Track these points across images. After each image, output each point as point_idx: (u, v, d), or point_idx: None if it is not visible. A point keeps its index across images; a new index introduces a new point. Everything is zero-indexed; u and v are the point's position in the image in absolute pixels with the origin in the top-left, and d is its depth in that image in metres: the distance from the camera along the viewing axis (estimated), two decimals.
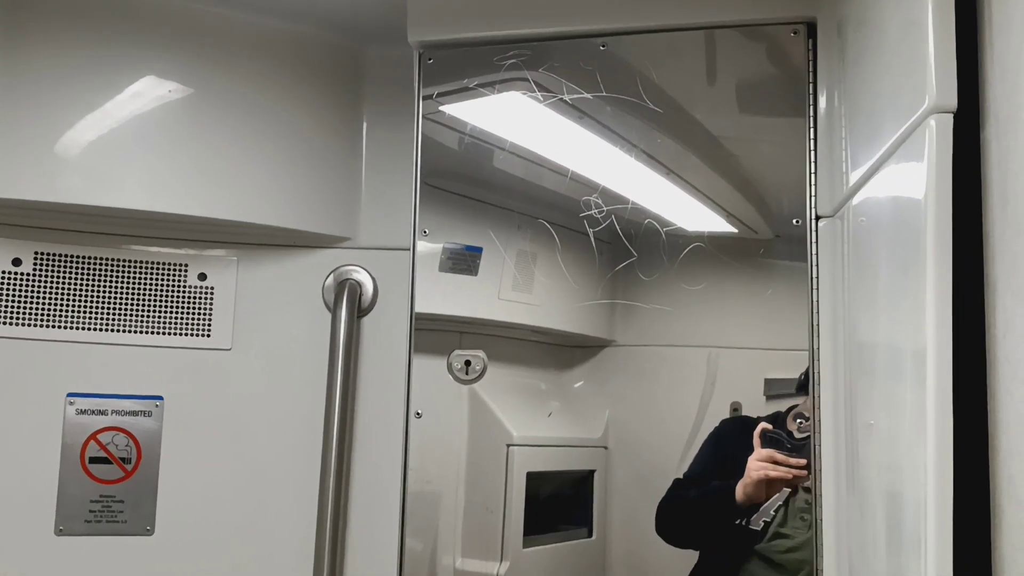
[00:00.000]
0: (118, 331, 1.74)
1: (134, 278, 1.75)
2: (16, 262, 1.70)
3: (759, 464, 1.42)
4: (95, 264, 1.74)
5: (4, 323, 1.69)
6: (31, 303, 1.70)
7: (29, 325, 1.70)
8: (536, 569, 1.58)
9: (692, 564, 1.47)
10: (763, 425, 1.43)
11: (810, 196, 1.44)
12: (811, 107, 1.46)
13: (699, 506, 1.48)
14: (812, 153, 1.45)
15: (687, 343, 1.51)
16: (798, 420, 1.41)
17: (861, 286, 1.23)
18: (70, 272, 1.72)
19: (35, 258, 1.71)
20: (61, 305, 1.72)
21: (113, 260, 1.74)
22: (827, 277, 1.41)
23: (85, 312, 1.72)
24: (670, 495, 1.49)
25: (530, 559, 1.57)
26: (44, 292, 1.71)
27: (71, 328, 1.72)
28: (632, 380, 1.55)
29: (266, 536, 1.75)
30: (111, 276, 1.74)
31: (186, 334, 1.76)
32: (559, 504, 1.62)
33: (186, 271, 1.78)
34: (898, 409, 1.02)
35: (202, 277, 1.78)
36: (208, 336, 1.77)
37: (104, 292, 1.74)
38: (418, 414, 1.59)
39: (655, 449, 1.52)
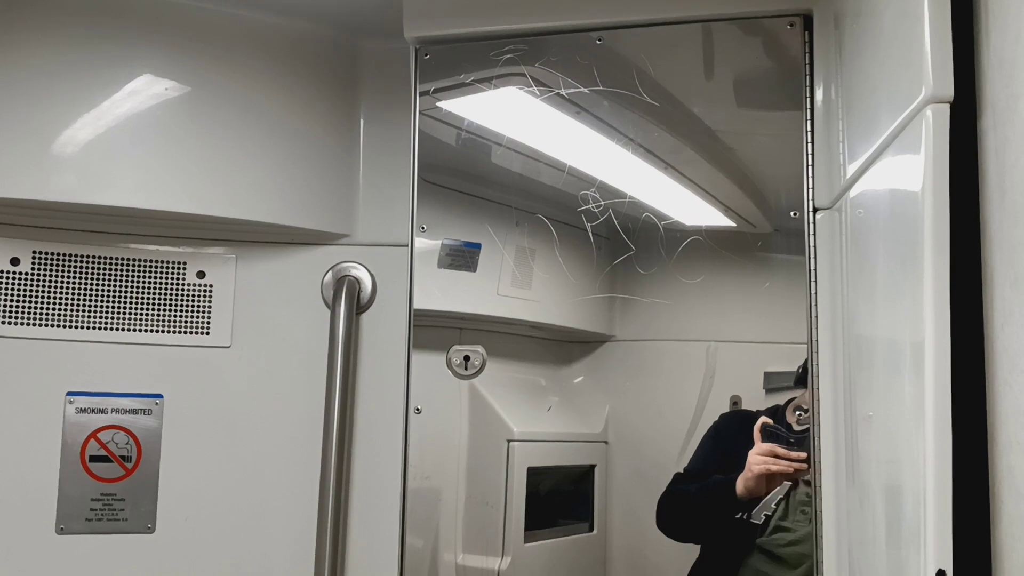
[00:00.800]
0: (117, 330, 1.73)
1: (133, 276, 1.75)
2: (14, 261, 1.70)
3: (760, 458, 1.42)
4: (93, 263, 1.73)
5: (3, 322, 1.69)
6: (30, 302, 1.70)
7: (28, 324, 1.70)
8: (537, 564, 1.58)
9: (693, 558, 1.47)
10: (763, 419, 1.43)
11: (808, 188, 1.44)
12: (808, 99, 1.45)
13: (700, 500, 1.48)
14: (809, 145, 1.45)
15: (686, 337, 1.51)
16: (797, 413, 1.41)
17: (859, 278, 1.23)
18: (68, 271, 1.72)
19: (33, 257, 1.71)
20: (60, 304, 1.71)
21: (111, 258, 1.74)
22: (825, 269, 1.41)
23: (84, 311, 1.72)
24: (670, 489, 1.49)
25: (531, 554, 1.57)
26: (43, 291, 1.71)
27: (70, 327, 1.71)
28: (631, 375, 1.55)
29: (267, 533, 1.75)
30: (110, 274, 1.74)
31: (185, 332, 1.76)
32: (560, 499, 1.62)
33: (184, 269, 1.77)
34: (897, 401, 1.02)
35: (201, 275, 1.78)
36: (207, 334, 1.77)
37: (103, 291, 1.73)
38: (417, 410, 1.59)
39: (655, 443, 1.52)
